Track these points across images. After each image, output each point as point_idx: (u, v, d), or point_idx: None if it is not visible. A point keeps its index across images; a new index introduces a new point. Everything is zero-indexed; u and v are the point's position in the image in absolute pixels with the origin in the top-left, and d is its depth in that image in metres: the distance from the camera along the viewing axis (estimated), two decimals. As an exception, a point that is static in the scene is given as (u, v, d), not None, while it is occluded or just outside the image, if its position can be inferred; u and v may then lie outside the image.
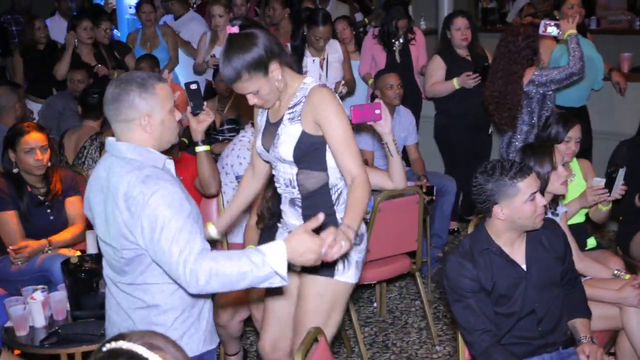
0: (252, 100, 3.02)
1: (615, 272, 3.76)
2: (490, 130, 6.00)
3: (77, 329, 3.39)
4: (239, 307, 4.04)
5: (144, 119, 2.63)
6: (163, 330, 2.55)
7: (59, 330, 3.37)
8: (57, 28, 7.99)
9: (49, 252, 4.24)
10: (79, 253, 4.03)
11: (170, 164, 2.74)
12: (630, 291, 3.53)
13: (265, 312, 3.45)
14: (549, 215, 3.57)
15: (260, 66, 2.91)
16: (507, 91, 5.07)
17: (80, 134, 5.25)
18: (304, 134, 3.02)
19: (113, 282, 2.75)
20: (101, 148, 5.07)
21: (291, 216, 3.22)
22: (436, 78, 5.89)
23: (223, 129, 5.88)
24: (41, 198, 4.36)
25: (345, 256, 2.96)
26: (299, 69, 3.10)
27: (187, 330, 2.72)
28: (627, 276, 3.73)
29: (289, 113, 3.06)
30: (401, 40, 6.42)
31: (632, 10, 9.34)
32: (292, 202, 3.18)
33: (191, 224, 2.55)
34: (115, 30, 8.71)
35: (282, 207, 3.28)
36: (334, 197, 3.13)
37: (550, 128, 4.17)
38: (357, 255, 3.19)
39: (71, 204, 4.44)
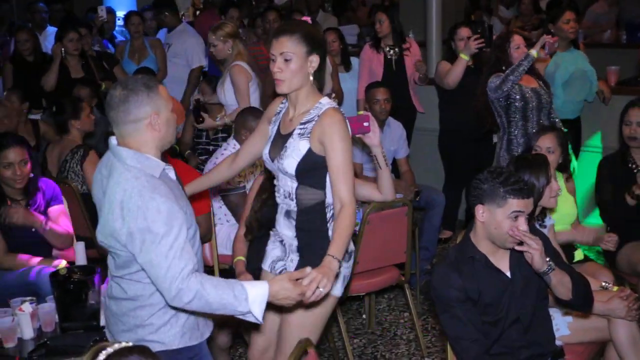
0: (279, 65, 3.10)
1: (603, 284, 3.77)
2: (494, 140, 6.01)
3: (66, 341, 3.37)
4: (227, 319, 4.02)
5: (153, 117, 2.71)
6: (139, 322, 2.76)
7: (48, 342, 3.34)
8: None
9: (44, 229, 4.24)
10: (65, 263, 4.03)
11: (169, 170, 2.81)
12: (619, 303, 3.54)
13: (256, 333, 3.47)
14: (537, 226, 3.58)
15: (309, 45, 3.09)
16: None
17: (62, 147, 5.22)
18: (310, 152, 3.11)
19: (110, 273, 2.86)
20: (82, 160, 5.06)
21: (284, 227, 3.26)
22: (447, 69, 5.96)
23: (217, 137, 5.88)
24: None
25: None
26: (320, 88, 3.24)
27: (164, 325, 2.78)
28: (615, 288, 3.75)
29: (301, 128, 3.14)
30: (396, 50, 6.47)
31: (617, 24, 9.41)
32: (288, 213, 3.23)
33: (183, 240, 2.65)
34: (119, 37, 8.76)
35: (277, 216, 3.32)
36: (328, 215, 3.19)
37: (530, 139, 4.29)
38: (345, 271, 3.24)
39: (54, 213, 4.40)
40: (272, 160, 3.22)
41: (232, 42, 5.58)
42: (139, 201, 2.61)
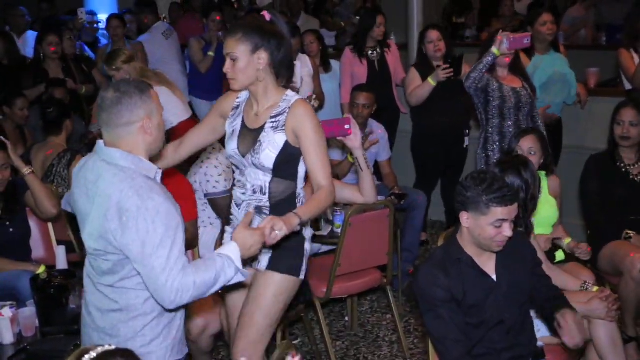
0: (227, 65, 3.16)
1: (583, 285, 3.79)
2: (465, 144, 6.06)
3: (47, 346, 3.35)
4: (210, 322, 4.02)
5: (146, 121, 2.68)
6: (132, 335, 2.70)
7: (28, 347, 3.32)
8: None
9: (26, 175, 4.28)
10: (43, 267, 4.01)
11: (158, 174, 2.78)
12: (599, 304, 3.57)
13: (231, 316, 3.46)
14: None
15: (253, 42, 3.12)
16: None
17: (47, 151, 5.18)
18: (287, 144, 3.15)
19: (92, 282, 2.77)
20: (69, 164, 5.03)
21: (254, 223, 3.23)
22: (414, 85, 5.95)
23: None
24: None
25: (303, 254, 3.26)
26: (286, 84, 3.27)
27: (156, 338, 2.74)
28: (595, 288, 3.77)
29: (272, 122, 3.17)
30: (378, 50, 6.48)
31: (597, 27, 9.48)
32: (259, 209, 3.24)
33: (180, 240, 2.63)
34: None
35: (238, 213, 3.30)
36: (298, 205, 3.23)
37: (510, 142, 4.31)
38: (307, 252, 3.33)
39: (29, 197, 4.42)
40: (243, 156, 3.22)
41: (128, 67, 5.60)
42: (138, 201, 2.57)
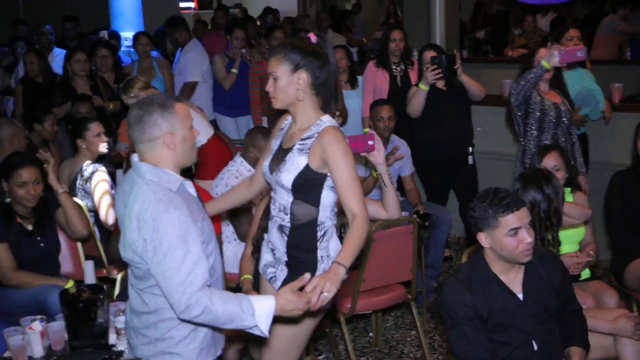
0: (269, 84, 3.22)
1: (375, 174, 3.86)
2: (470, 161, 6.00)
3: (75, 359, 3.40)
4: (237, 333, 4.04)
5: (167, 137, 2.78)
6: (159, 336, 2.82)
7: (57, 361, 3.38)
8: None
9: (59, 194, 4.44)
10: (72, 282, 4.06)
11: (189, 186, 2.87)
12: (625, 322, 3.56)
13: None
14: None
15: (292, 62, 3.16)
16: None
17: (73, 165, 5.25)
18: (307, 168, 3.17)
19: (130, 284, 2.92)
20: (90, 177, 5.09)
21: (277, 239, 3.30)
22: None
23: None
24: (30, 228, 4.37)
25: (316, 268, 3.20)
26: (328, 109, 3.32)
27: (183, 339, 2.83)
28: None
29: (300, 144, 3.21)
30: (402, 66, 6.51)
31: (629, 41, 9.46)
32: (281, 228, 3.28)
33: (197, 255, 2.71)
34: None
35: (270, 226, 3.36)
36: (319, 234, 3.24)
37: (532, 159, 4.30)
38: None
39: (60, 214, 4.51)
40: (271, 173, 3.28)
41: (145, 94, 5.63)
42: (154, 214, 2.69)
